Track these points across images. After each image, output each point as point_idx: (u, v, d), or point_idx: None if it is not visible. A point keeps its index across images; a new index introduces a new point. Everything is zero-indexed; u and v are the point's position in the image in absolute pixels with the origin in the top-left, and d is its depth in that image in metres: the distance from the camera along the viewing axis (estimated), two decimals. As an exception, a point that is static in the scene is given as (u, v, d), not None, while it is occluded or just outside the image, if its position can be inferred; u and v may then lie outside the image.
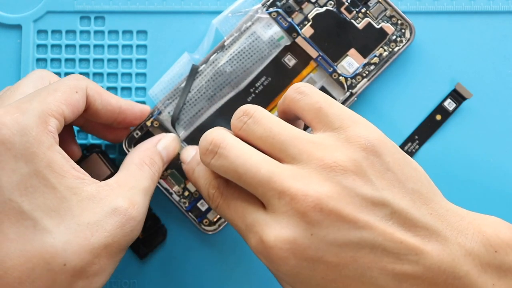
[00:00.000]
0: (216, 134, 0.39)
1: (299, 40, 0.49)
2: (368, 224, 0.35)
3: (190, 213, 0.49)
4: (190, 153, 0.46)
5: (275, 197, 0.36)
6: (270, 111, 0.49)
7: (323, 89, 0.49)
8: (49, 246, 0.37)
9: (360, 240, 0.35)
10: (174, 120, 0.49)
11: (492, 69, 0.50)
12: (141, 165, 0.44)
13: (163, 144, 0.47)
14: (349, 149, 0.37)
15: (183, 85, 0.49)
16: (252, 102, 0.49)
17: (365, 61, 0.49)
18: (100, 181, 0.41)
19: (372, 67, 0.49)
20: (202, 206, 0.49)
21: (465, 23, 0.51)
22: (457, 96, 0.49)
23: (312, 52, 0.49)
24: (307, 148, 0.37)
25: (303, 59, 0.49)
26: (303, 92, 0.39)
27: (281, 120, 0.39)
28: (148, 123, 0.49)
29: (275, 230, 0.36)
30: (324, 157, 0.36)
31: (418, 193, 0.37)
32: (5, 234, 0.37)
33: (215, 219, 0.49)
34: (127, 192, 0.41)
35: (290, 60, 0.49)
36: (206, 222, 0.49)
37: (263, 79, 0.49)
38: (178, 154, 0.49)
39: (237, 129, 0.40)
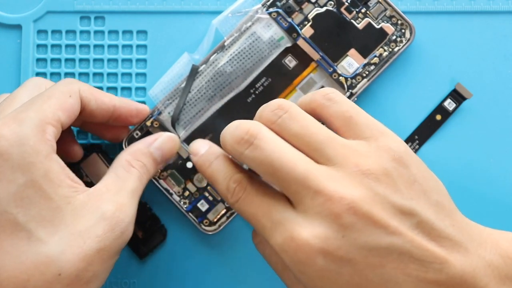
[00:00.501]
0: (252, 125, 0.39)
1: (300, 42, 0.49)
2: (398, 231, 0.35)
3: (190, 214, 0.49)
4: (200, 145, 0.45)
5: (309, 196, 0.36)
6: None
7: (323, 89, 0.49)
8: (44, 257, 0.38)
9: (390, 246, 0.35)
10: (174, 121, 0.49)
11: (492, 69, 0.50)
12: (128, 167, 0.43)
13: (158, 144, 0.46)
14: (381, 158, 0.37)
15: (183, 85, 0.49)
16: (252, 103, 0.49)
17: (365, 61, 0.49)
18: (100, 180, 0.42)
19: (372, 67, 0.49)
20: (202, 206, 0.49)
21: (465, 23, 0.51)
22: (457, 96, 0.49)
23: (313, 54, 0.49)
24: (343, 152, 0.37)
25: (304, 60, 0.49)
26: (332, 99, 0.40)
27: (316, 120, 0.39)
28: (148, 123, 0.49)
29: (307, 228, 0.36)
30: (358, 163, 0.37)
31: (441, 205, 0.37)
32: (0, 246, 0.38)
33: (215, 220, 0.49)
34: (114, 195, 0.41)
35: (290, 62, 0.49)
36: (206, 222, 0.49)
37: (263, 80, 0.49)
38: (178, 154, 0.49)
39: (270, 122, 0.39)
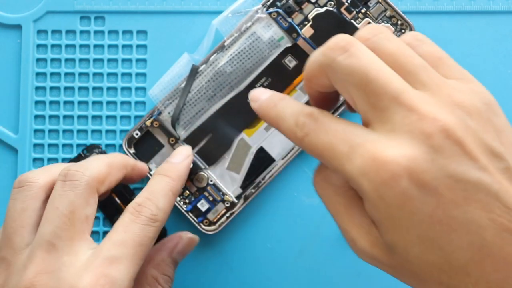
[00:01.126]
0: (350, 38, 0.36)
1: (300, 42, 0.49)
2: (488, 168, 0.33)
3: (190, 214, 0.49)
4: (262, 92, 0.41)
5: (400, 113, 0.34)
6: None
7: (323, 89, 0.49)
8: None
9: (478, 182, 0.33)
10: (174, 121, 0.49)
11: (492, 69, 0.50)
12: (155, 285, 0.43)
13: (180, 248, 0.45)
14: (474, 97, 0.35)
15: (183, 85, 0.49)
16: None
17: (366, 61, 0.49)
18: None
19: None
20: (202, 206, 0.49)
21: (465, 23, 0.51)
22: (457, 96, 0.49)
23: None
24: (437, 81, 0.35)
25: (304, 60, 0.49)
26: (422, 40, 0.38)
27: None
28: (148, 123, 0.49)
29: (393, 147, 0.33)
30: (452, 94, 0.35)
31: None
32: None
33: (215, 220, 0.49)
34: None
35: (290, 62, 0.49)
36: (206, 222, 0.49)
37: (263, 80, 0.49)
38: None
39: (365, 39, 0.37)
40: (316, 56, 0.37)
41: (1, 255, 0.39)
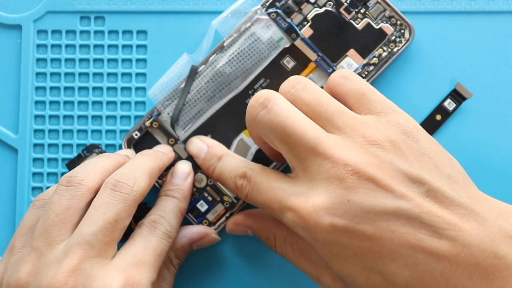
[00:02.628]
0: (269, 92, 0.40)
1: (298, 43, 0.49)
2: (406, 195, 0.36)
3: (189, 214, 0.49)
4: (200, 147, 0.48)
5: (316, 163, 0.37)
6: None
7: (322, 89, 0.49)
8: None
9: (397, 210, 0.35)
10: (174, 121, 0.49)
11: (492, 69, 0.50)
12: (168, 265, 0.47)
13: (202, 243, 0.48)
14: (389, 131, 0.38)
15: (182, 86, 0.49)
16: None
17: (365, 61, 0.49)
18: None
19: (371, 67, 0.49)
20: (202, 207, 0.49)
21: (465, 23, 0.50)
22: (457, 96, 0.49)
23: (311, 55, 0.49)
24: (352, 123, 0.38)
25: (302, 61, 0.49)
26: (347, 77, 0.41)
27: (329, 94, 0.40)
28: (148, 124, 0.49)
29: (312, 197, 0.37)
30: (366, 134, 0.38)
31: (455, 178, 0.38)
32: None
33: (214, 220, 0.49)
34: None
35: (289, 62, 0.49)
36: (205, 222, 0.49)
37: (261, 81, 0.49)
38: (177, 154, 0.49)
39: (284, 92, 0.41)
40: (247, 114, 0.41)
41: (35, 245, 0.40)
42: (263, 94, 0.40)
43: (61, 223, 0.41)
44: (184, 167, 0.48)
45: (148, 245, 0.42)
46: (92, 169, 0.44)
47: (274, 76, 0.49)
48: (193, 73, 0.49)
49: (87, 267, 0.39)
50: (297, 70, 0.49)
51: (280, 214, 0.39)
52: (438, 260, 0.35)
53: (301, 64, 0.49)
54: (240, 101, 0.49)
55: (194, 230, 0.48)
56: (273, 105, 0.39)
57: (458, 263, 0.35)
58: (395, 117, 0.39)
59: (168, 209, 0.46)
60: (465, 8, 0.50)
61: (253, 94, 0.49)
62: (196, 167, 0.49)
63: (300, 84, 0.40)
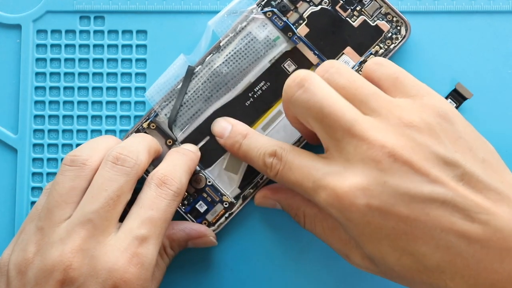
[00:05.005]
0: (306, 72, 0.40)
1: (300, 46, 0.49)
2: (440, 179, 0.36)
3: (189, 215, 0.49)
4: (224, 126, 0.48)
5: (352, 143, 0.38)
6: (268, 115, 0.49)
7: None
8: None
9: (432, 194, 0.36)
10: (171, 122, 0.49)
11: (492, 69, 0.50)
12: (162, 253, 0.47)
13: (198, 242, 0.48)
14: (424, 113, 0.38)
15: (179, 87, 0.49)
16: (250, 107, 0.49)
17: (361, 59, 0.49)
18: None
19: (369, 66, 0.49)
20: (201, 207, 0.49)
21: (465, 23, 0.50)
22: (457, 96, 0.49)
23: (313, 58, 0.49)
24: (387, 105, 0.39)
25: (303, 65, 0.49)
26: (380, 63, 0.42)
27: (362, 77, 0.41)
28: (145, 125, 0.49)
29: (348, 178, 0.37)
30: (401, 116, 0.38)
31: (489, 162, 0.38)
32: None
33: (214, 220, 0.49)
34: None
35: (289, 66, 0.49)
36: (205, 223, 0.49)
37: (262, 83, 0.49)
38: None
39: (321, 75, 0.41)
40: (283, 94, 0.41)
41: (40, 225, 0.41)
42: (300, 74, 0.40)
43: (64, 203, 0.41)
44: (191, 145, 0.49)
45: (154, 213, 0.42)
46: (95, 148, 0.44)
47: (274, 79, 0.49)
48: (190, 73, 0.49)
49: (91, 247, 0.39)
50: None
51: (313, 193, 0.39)
52: (469, 243, 0.35)
53: (302, 67, 0.49)
54: (239, 103, 0.49)
55: (194, 228, 0.48)
56: (310, 85, 0.39)
57: (489, 246, 0.35)
58: (430, 100, 0.39)
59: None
60: (465, 8, 0.50)
61: (253, 97, 0.49)
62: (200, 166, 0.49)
63: (334, 68, 0.41)
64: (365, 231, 0.37)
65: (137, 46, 0.52)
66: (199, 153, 0.48)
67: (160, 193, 0.43)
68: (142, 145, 0.45)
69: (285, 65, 0.49)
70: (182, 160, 0.46)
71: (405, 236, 0.36)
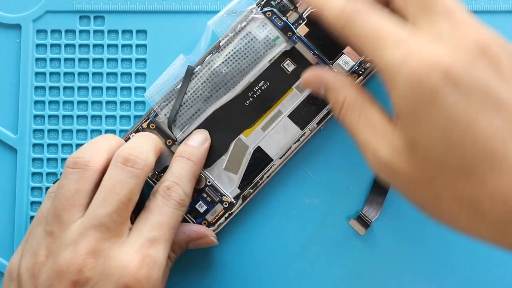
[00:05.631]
0: None
1: (298, 46, 0.49)
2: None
3: (188, 215, 0.49)
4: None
5: (448, 25, 0.36)
6: (267, 115, 0.49)
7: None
8: None
9: (508, 99, 0.34)
10: (171, 123, 0.49)
11: (493, 69, 0.50)
12: None
13: (199, 243, 0.48)
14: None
15: (179, 87, 0.49)
16: (250, 106, 0.49)
17: (361, 58, 0.48)
18: None
19: (368, 64, 0.48)
20: (201, 207, 0.49)
21: (465, 22, 0.50)
22: (458, 96, 0.49)
23: (312, 59, 0.49)
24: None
25: (303, 64, 0.49)
26: None
27: None
28: (145, 125, 0.49)
29: (437, 48, 0.35)
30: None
31: None
32: None
33: (213, 221, 0.49)
34: None
35: (289, 66, 0.49)
36: (205, 223, 0.49)
37: (261, 83, 0.49)
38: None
39: None
40: None
41: (48, 229, 0.41)
42: None
43: (71, 206, 0.41)
44: (200, 134, 0.49)
45: (162, 218, 0.42)
46: (98, 148, 0.44)
47: (274, 79, 0.49)
48: (189, 73, 0.49)
49: (105, 248, 0.40)
50: (297, 73, 0.49)
51: (390, 49, 0.36)
52: None
53: (302, 67, 0.49)
54: (239, 104, 0.49)
55: (194, 229, 0.48)
56: None
57: None
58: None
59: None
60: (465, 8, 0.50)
61: (252, 96, 0.49)
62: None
63: None
64: (425, 108, 0.34)
65: (137, 46, 0.52)
66: (207, 143, 0.49)
67: (166, 203, 0.43)
68: (149, 145, 0.45)
69: (284, 64, 0.49)
70: (185, 169, 0.46)
71: (465, 128, 0.33)
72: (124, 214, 0.41)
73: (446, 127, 0.34)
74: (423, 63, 0.34)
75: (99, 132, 0.51)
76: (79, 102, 0.51)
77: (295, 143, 0.49)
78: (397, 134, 0.37)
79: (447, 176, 0.34)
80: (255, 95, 0.49)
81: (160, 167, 0.49)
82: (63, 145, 0.51)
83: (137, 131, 0.49)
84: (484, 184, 0.33)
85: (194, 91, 0.49)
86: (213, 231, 0.49)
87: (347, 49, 0.49)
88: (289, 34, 0.49)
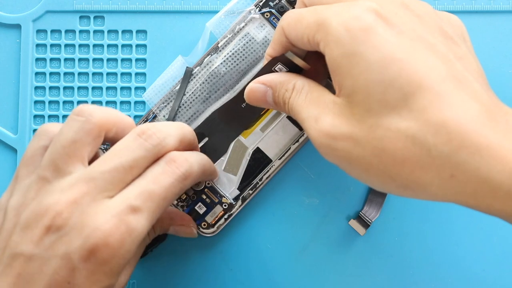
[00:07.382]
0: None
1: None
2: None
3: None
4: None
5: None
6: (266, 116, 0.49)
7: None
8: None
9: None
10: (169, 123, 0.49)
11: (493, 69, 0.50)
12: None
13: (178, 231, 0.48)
14: None
15: (177, 88, 0.49)
16: (247, 107, 0.49)
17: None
18: None
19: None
20: (200, 209, 0.49)
21: (465, 23, 0.50)
22: (458, 96, 0.49)
23: (300, 63, 0.49)
24: None
25: (294, 67, 0.49)
26: None
27: None
28: (144, 126, 0.49)
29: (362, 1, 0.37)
30: None
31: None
32: None
33: (213, 222, 0.49)
34: None
35: (281, 70, 0.49)
36: (204, 225, 0.49)
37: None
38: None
39: None
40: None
41: (42, 174, 0.40)
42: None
43: (67, 156, 0.40)
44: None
45: (155, 187, 0.40)
46: (107, 111, 0.42)
47: None
48: (188, 75, 0.49)
49: (84, 203, 0.38)
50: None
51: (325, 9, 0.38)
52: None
53: (300, 67, 0.49)
54: (237, 104, 0.49)
55: (178, 213, 0.48)
56: None
57: None
58: None
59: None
60: (465, 8, 0.50)
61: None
62: None
63: None
64: (359, 49, 0.36)
65: (137, 46, 0.52)
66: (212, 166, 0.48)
67: (167, 171, 0.41)
68: (175, 131, 0.43)
69: (276, 68, 0.49)
70: (200, 156, 0.44)
71: (399, 61, 0.35)
72: (118, 177, 0.39)
73: (382, 63, 0.35)
74: (351, 9, 0.36)
75: (99, 132, 0.51)
76: (79, 102, 0.51)
77: (294, 143, 0.49)
78: (338, 99, 0.38)
79: (389, 116, 0.35)
80: None
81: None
82: (63, 145, 0.51)
83: (136, 132, 0.49)
84: (424, 115, 0.34)
85: (192, 92, 0.49)
86: (213, 232, 0.49)
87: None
88: (288, 35, 0.49)
